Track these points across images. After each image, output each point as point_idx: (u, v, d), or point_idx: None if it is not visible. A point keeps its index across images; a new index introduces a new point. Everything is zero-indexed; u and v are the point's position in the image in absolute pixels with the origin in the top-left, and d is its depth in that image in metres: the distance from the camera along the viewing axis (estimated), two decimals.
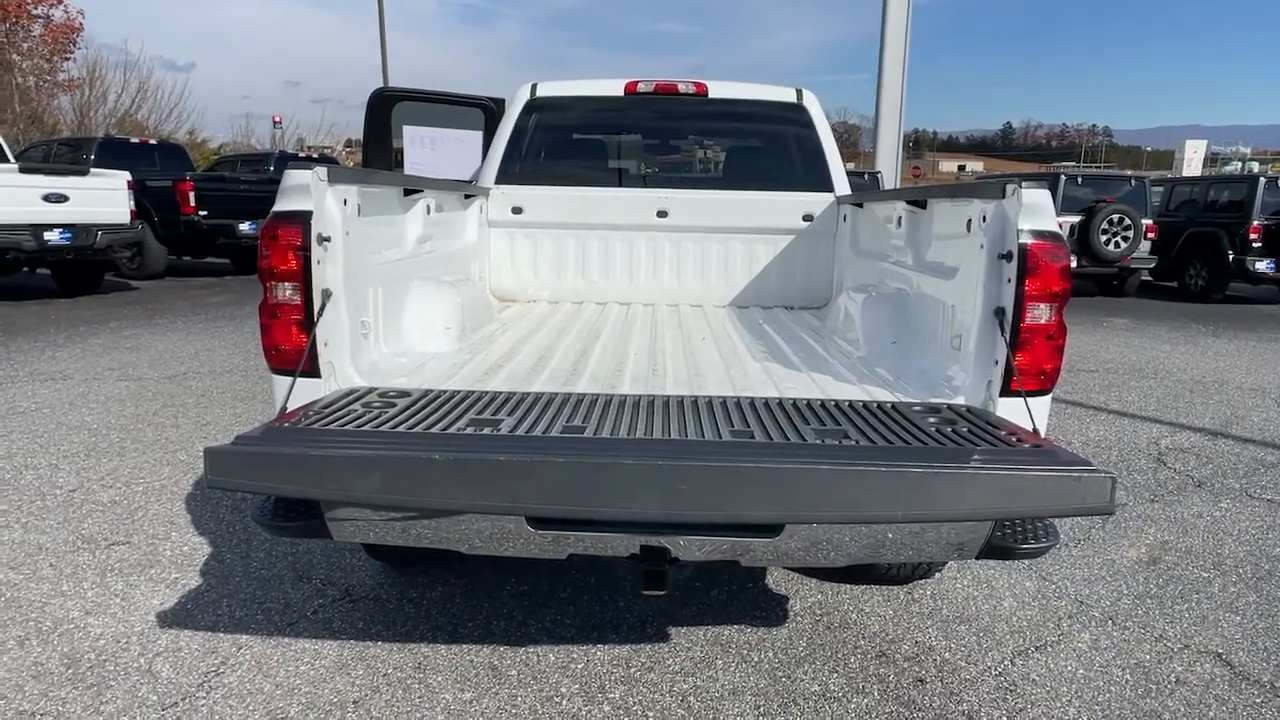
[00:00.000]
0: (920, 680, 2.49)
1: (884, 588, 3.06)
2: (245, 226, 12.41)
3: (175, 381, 5.98)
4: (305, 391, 2.11)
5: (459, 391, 2.21)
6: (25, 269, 10.20)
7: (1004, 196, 2.09)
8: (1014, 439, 1.87)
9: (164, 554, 3.21)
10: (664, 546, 1.96)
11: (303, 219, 2.06)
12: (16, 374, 6.06)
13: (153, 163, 13.09)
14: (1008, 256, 2.07)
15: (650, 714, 2.30)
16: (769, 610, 2.89)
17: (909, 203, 3.02)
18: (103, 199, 9.75)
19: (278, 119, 37.33)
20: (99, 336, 7.64)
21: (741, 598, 2.97)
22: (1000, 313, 2.09)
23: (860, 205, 3.83)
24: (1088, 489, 1.59)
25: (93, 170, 10.05)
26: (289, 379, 2.08)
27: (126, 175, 10.17)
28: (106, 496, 3.76)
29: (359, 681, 2.41)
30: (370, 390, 2.18)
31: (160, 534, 3.38)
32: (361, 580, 3.04)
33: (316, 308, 2.08)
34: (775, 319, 3.83)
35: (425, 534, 1.93)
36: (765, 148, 4.45)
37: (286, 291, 2.08)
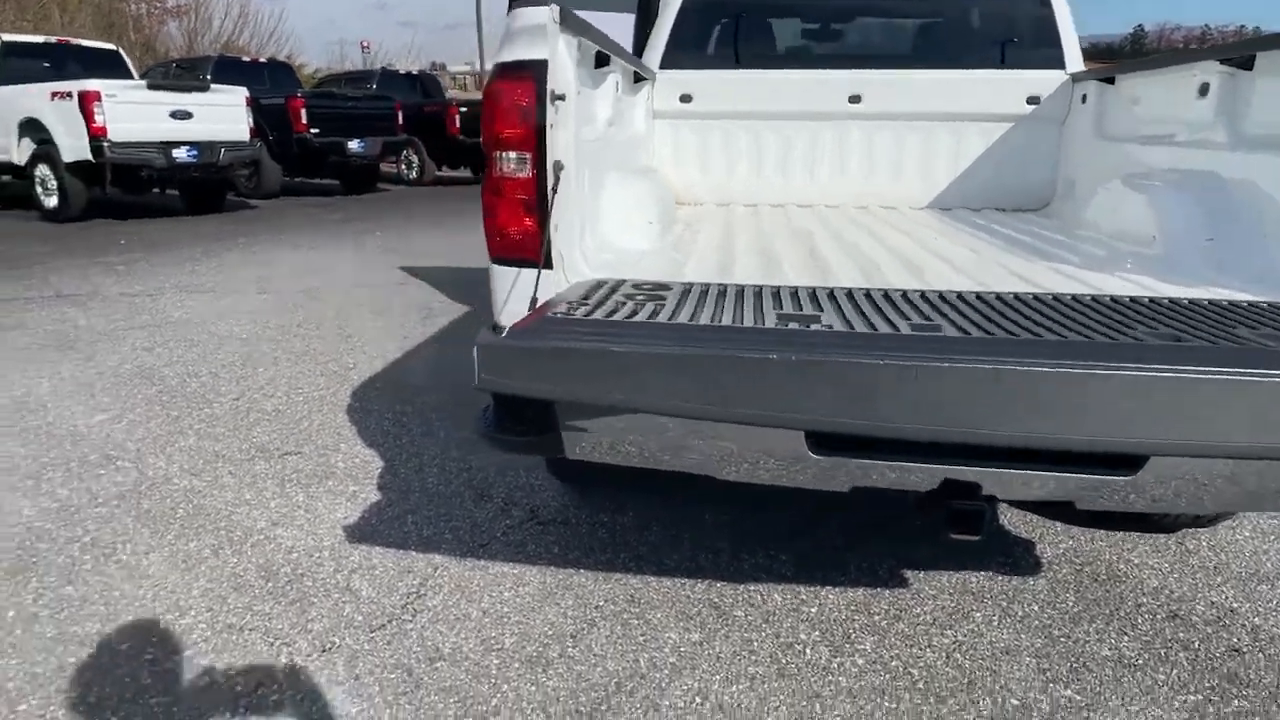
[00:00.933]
0: (1235, 650, 2.06)
1: (1148, 535, 2.60)
2: (354, 144, 12.38)
3: (310, 295, 5.92)
4: (529, 285, 1.78)
5: (731, 284, 1.82)
6: (155, 189, 10.48)
7: None
8: None
9: (337, 465, 3.07)
10: (974, 481, 1.58)
11: (535, 71, 1.68)
12: (163, 286, 6.15)
13: (263, 81, 13.06)
14: None
15: (913, 671, 1.97)
16: (1015, 555, 2.49)
17: (1223, 62, 2.39)
18: (224, 115, 9.81)
19: (366, 44, 37.49)
20: (231, 252, 7.73)
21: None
22: None
23: (1111, 81, 3.17)
24: None
25: (213, 87, 10.09)
26: (514, 270, 1.76)
27: (244, 91, 10.17)
28: (270, 405, 3.67)
29: (571, 614, 2.18)
30: (622, 282, 1.82)
31: (329, 444, 3.25)
32: (545, 501, 2.81)
33: (550, 183, 1.73)
34: (1001, 221, 3.27)
35: (688, 455, 1.60)
36: (982, 17, 3.77)
37: (512, 163, 1.73)
